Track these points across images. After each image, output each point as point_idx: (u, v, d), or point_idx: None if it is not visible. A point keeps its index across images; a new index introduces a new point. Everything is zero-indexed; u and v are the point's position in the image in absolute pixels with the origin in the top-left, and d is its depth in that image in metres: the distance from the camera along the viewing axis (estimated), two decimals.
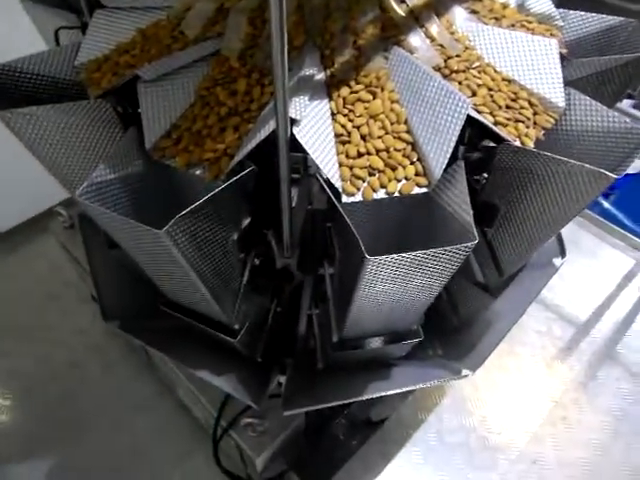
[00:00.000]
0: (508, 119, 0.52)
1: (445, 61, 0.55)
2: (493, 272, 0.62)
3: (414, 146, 0.50)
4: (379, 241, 0.53)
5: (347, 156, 0.50)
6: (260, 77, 0.54)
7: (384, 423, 0.93)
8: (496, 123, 0.52)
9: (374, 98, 0.52)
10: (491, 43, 0.57)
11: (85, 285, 1.27)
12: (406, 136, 0.50)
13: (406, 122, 0.51)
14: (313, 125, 0.49)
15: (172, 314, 0.62)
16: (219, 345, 0.65)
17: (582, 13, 0.65)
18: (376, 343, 0.61)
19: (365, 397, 0.60)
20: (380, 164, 0.49)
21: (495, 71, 0.56)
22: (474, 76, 0.54)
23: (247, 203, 0.54)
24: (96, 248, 0.75)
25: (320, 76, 0.53)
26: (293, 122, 0.46)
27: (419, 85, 0.50)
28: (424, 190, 0.49)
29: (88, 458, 1.16)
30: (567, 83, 0.56)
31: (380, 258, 0.40)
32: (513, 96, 0.54)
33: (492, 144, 0.54)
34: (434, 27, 0.57)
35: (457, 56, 0.55)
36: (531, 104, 0.54)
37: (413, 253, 0.40)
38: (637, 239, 1.22)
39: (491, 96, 0.53)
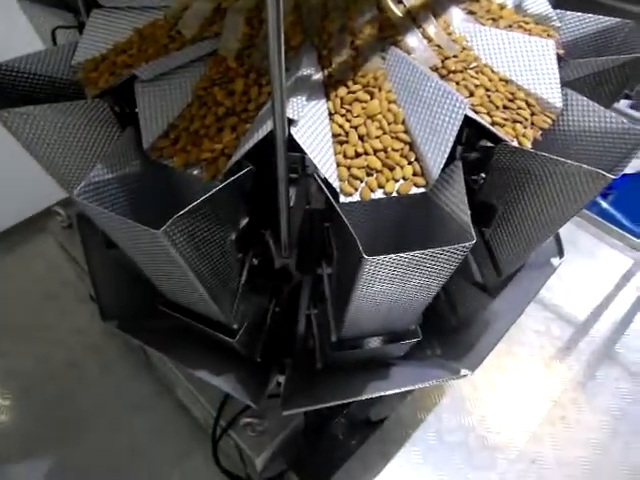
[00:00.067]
0: (505, 119, 0.52)
1: (442, 61, 0.55)
2: (491, 272, 0.62)
3: (412, 146, 0.50)
4: (377, 241, 0.53)
5: (345, 156, 0.50)
6: (257, 77, 0.54)
7: (383, 423, 0.93)
8: (493, 123, 0.52)
9: (372, 98, 0.52)
10: (488, 44, 0.57)
11: (83, 285, 1.27)
12: (404, 136, 0.50)
13: (404, 122, 0.51)
14: (311, 125, 0.49)
15: (170, 314, 0.62)
16: (218, 345, 0.65)
17: (579, 14, 0.65)
18: (375, 343, 0.61)
19: (364, 397, 0.60)
20: (378, 164, 0.49)
21: (492, 71, 0.56)
22: (471, 76, 0.54)
23: (245, 203, 0.54)
24: (94, 248, 0.75)
25: (317, 76, 0.53)
26: (291, 122, 0.46)
27: (416, 85, 0.50)
28: (422, 190, 0.49)
29: (87, 458, 1.16)
30: (564, 84, 0.56)
31: (378, 258, 0.40)
32: (510, 96, 0.54)
33: (490, 144, 0.54)
34: (431, 28, 0.57)
35: (454, 57, 0.55)
36: (528, 104, 0.55)
37: (411, 253, 0.40)
38: (635, 239, 1.22)
39: (488, 96, 0.53)
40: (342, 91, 0.52)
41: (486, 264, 0.62)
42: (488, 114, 0.52)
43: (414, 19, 0.58)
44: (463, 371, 0.62)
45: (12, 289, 1.49)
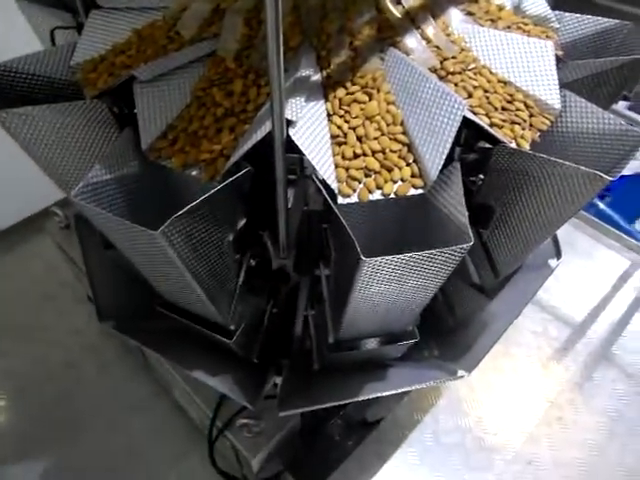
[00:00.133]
0: (504, 121, 0.52)
1: (441, 63, 0.55)
2: (489, 273, 0.62)
3: (410, 147, 0.50)
4: (375, 242, 0.53)
5: (343, 157, 0.50)
6: (256, 78, 0.54)
7: (380, 424, 0.93)
8: (492, 125, 0.52)
9: (370, 99, 0.52)
10: (487, 45, 0.57)
11: (81, 285, 1.27)
12: (402, 137, 0.50)
13: (402, 123, 0.51)
14: (309, 126, 0.49)
15: (168, 315, 0.62)
16: (215, 346, 0.65)
17: (577, 15, 0.65)
18: (372, 344, 0.61)
19: (361, 398, 0.60)
20: (376, 165, 0.49)
21: (491, 73, 0.56)
22: (470, 78, 0.54)
23: (243, 204, 0.54)
24: (92, 248, 0.75)
25: (316, 77, 0.53)
26: (289, 123, 0.46)
27: (415, 86, 0.50)
28: (420, 191, 0.49)
29: (84, 459, 1.16)
30: (563, 85, 0.56)
31: (376, 259, 0.40)
32: (509, 98, 0.54)
33: (488, 146, 0.54)
34: (430, 29, 0.57)
35: (453, 58, 0.56)
36: (527, 106, 0.55)
37: (409, 254, 0.40)
38: (632, 240, 1.22)
39: (487, 98, 0.53)
40: (341, 92, 0.52)
41: (484, 265, 0.62)
42: (486, 115, 0.52)
43: (413, 20, 0.58)
44: (460, 372, 0.62)
45: (10, 289, 1.48)
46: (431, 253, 0.41)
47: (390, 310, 0.51)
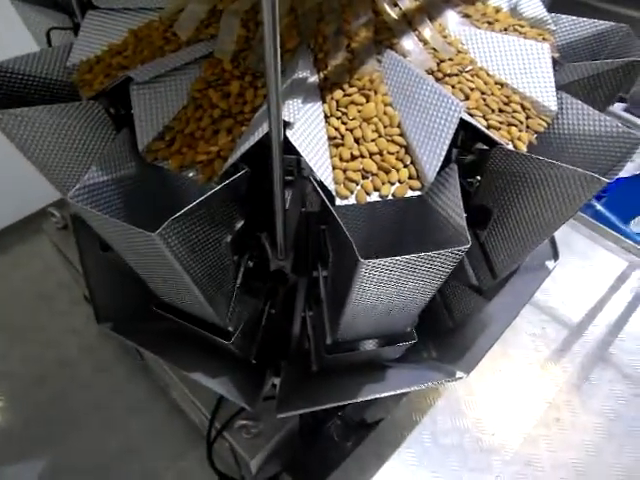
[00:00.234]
0: (501, 122, 0.53)
1: (438, 65, 0.55)
2: (487, 275, 0.62)
3: (407, 149, 0.50)
4: (372, 244, 0.53)
5: (340, 159, 0.50)
6: (253, 79, 0.54)
7: (378, 425, 0.93)
8: (489, 126, 0.52)
9: (367, 101, 0.52)
10: (484, 47, 0.57)
11: (78, 286, 1.26)
12: (399, 139, 0.50)
13: (399, 125, 0.51)
14: (306, 128, 0.49)
15: (165, 316, 0.62)
16: (213, 347, 0.65)
17: (574, 17, 0.65)
18: (370, 345, 0.61)
19: (359, 399, 0.60)
20: (373, 167, 0.49)
21: (488, 75, 0.56)
22: (467, 80, 0.54)
23: (240, 205, 0.54)
24: (89, 249, 0.75)
25: (313, 79, 0.53)
26: (286, 125, 0.46)
27: (412, 88, 0.50)
28: (417, 193, 0.49)
29: (81, 459, 1.16)
30: (559, 87, 0.56)
31: (374, 261, 0.40)
32: (506, 100, 0.54)
33: (485, 147, 0.54)
34: (427, 31, 0.57)
35: (450, 60, 0.56)
36: (524, 108, 0.55)
37: (407, 256, 0.40)
38: (629, 241, 1.23)
39: (484, 100, 0.53)
40: (338, 94, 0.52)
41: (481, 267, 0.62)
42: (483, 117, 0.53)
43: (410, 22, 0.58)
44: (458, 373, 0.62)
45: (7, 290, 1.48)
46: (429, 255, 0.41)
47: (388, 311, 0.51)
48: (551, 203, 0.49)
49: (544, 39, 0.62)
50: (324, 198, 0.46)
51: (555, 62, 0.58)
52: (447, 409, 0.95)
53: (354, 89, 0.52)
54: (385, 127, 0.51)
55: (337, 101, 0.52)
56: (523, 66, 0.56)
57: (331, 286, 0.58)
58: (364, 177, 0.49)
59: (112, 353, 1.33)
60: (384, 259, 0.40)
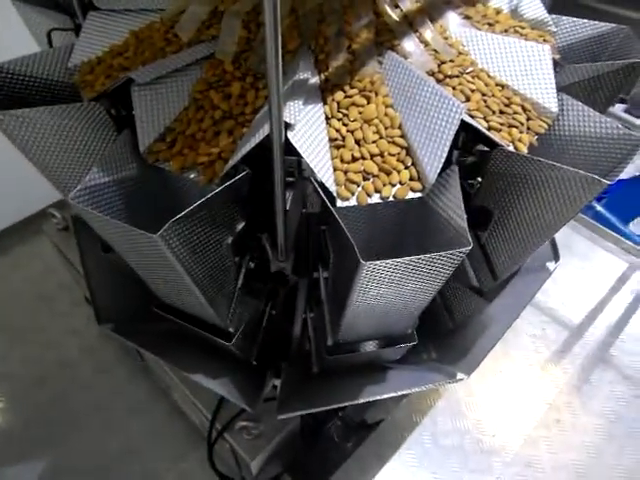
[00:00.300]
0: (502, 124, 0.53)
1: (439, 66, 0.55)
2: (487, 276, 0.62)
3: (408, 151, 0.50)
4: (373, 245, 0.53)
5: (342, 160, 0.50)
6: (254, 81, 0.54)
7: (379, 425, 0.93)
8: (490, 128, 0.52)
9: (368, 103, 0.52)
10: (484, 48, 0.57)
11: (79, 287, 1.26)
12: (400, 141, 0.50)
13: (400, 127, 0.51)
14: (307, 129, 0.49)
15: (166, 317, 0.62)
16: (214, 348, 0.65)
17: (574, 19, 0.65)
18: (371, 347, 0.61)
19: (360, 401, 0.60)
20: (374, 169, 0.49)
21: (489, 76, 0.56)
22: (468, 81, 0.54)
23: (241, 207, 0.54)
24: (90, 250, 0.75)
25: (314, 80, 0.54)
26: (287, 126, 0.46)
27: (413, 90, 0.50)
28: (418, 195, 0.49)
29: (82, 460, 1.16)
30: (560, 89, 0.56)
31: (375, 263, 0.40)
32: (506, 101, 0.54)
33: (486, 149, 0.54)
34: (428, 32, 0.57)
35: (451, 61, 0.56)
36: (524, 109, 0.55)
37: (408, 258, 0.40)
38: (630, 242, 1.23)
39: (485, 101, 0.53)
40: (339, 95, 0.52)
41: (482, 268, 0.62)
42: (484, 119, 0.53)
43: (411, 24, 0.58)
44: (459, 375, 0.62)
45: (7, 291, 1.48)
46: (430, 256, 0.41)
47: (389, 313, 0.51)
48: (552, 205, 0.49)
49: (545, 41, 0.62)
50: (325, 199, 0.46)
51: (556, 64, 0.58)
52: (447, 410, 0.95)
53: (355, 90, 0.52)
54: (386, 128, 0.51)
55: (338, 102, 0.52)
56: (524, 68, 0.56)
57: (332, 287, 0.58)
58: (365, 178, 0.49)
59: (113, 354, 1.33)
60: (385, 261, 0.40)
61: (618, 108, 1.39)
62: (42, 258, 1.51)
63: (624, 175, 0.49)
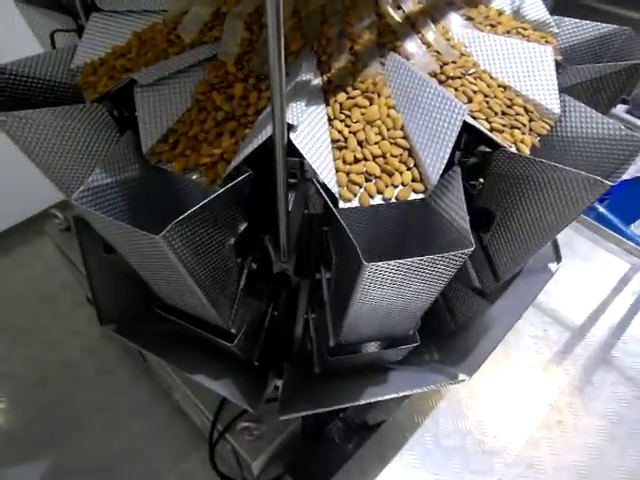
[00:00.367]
0: (504, 125, 0.53)
1: (441, 67, 0.55)
2: (489, 277, 0.62)
3: (411, 152, 0.50)
4: (376, 247, 0.53)
5: (344, 162, 0.50)
6: (257, 82, 0.55)
7: (380, 427, 0.93)
8: (492, 129, 0.52)
9: (371, 104, 0.52)
10: (487, 50, 0.57)
11: (81, 288, 1.27)
12: (403, 142, 0.50)
13: (402, 128, 0.51)
14: (310, 131, 0.49)
15: (168, 318, 0.62)
16: (216, 349, 0.65)
17: (577, 20, 0.65)
18: (373, 348, 0.61)
19: (362, 402, 0.60)
20: (377, 170, 0.49)
21: (491, 77, 0.56)
22: (470, 82, 0.54)
23: (244, 208, 0.54)
24: (92, 251, 0.75)
25: (317, 81, 0.54)
26: (290, 127, 0.46)
27: (415, 91, 0.51)
28: (421, 196, 0.49)
29: (84, 461, 1.16)
30: (562, 90, 0.56)
31: (378, 264, 0.40)
32: (509, 102, 0.54)
33: (488, 149, 0.54)
34: (430, 33, 0.57)
35: (453, 62, 0.56)
36: (527, 110, 0.55)
37: (410, 259, 0.40)
38: (632, 244, 1.22)
39: (487, 102, 0.53)
40: (341, 96, 0.52)
41: (484, 269, 0.62)
42: (487, 120, 0.53)
43: (413, 25, 0.58)
44: (461, 376, 0.62)
45: (9, 291, 1.48)
46: (432, 258, 0.41)
47: (391, 314, 0.51)
48: (554, 206, 0.49)
49: (547, 42, 0.62)
50: (327, 201, 0.46)
51: (558, 65, 0.58)
52: (449, 411, 0.95)
53: (357, 92, 0.53)
54: (388, 130, 0.51)
55: (340, 104, 0.52)
56: (526, 69, 0.56)
57: (334, 288, 0.58)
58: (367, 180, 0.49)
59: (115, 355, 1.33)
60: (388, 262, 0.40)
61: (620, 109, 1.39)
62: (44, 259, 1.51)
63: (626, 176, 0.49)
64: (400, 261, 0.40)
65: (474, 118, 0.52)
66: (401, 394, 0.61)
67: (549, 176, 0.47)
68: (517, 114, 0.54)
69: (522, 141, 0.52)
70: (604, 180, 0.43)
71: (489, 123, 0.52)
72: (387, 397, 0.60)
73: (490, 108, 0.53)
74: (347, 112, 0.52)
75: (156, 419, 1.21)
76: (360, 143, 0.50)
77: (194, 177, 0.52)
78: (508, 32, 0.62)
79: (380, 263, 0.40)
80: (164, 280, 0.53)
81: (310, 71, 0.53)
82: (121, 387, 1.27)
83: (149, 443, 1.18)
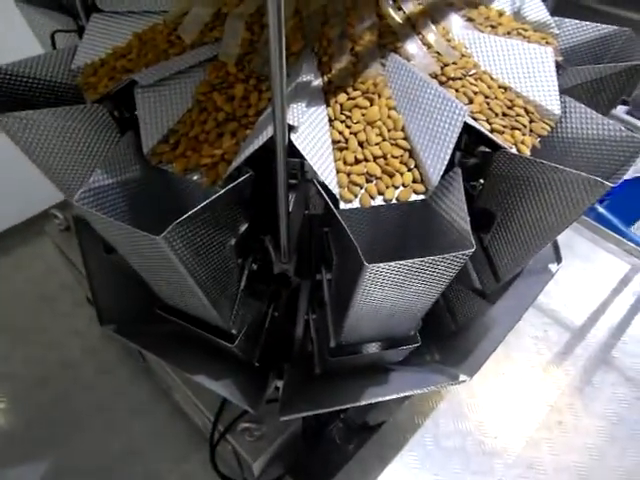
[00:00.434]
0: (504, 126, 0.53)
1: (442, 68, 0.55)
2: (490, 278, 0.62)
3: (411, 153, 0.50)
4: (376, 248, 0.53)
5: (344, 162, 0.50)
6: (257, 83, 0.55)
7: (381, 427, 0.93)
8: (492, 130, 0.52)
9: (371, 105, 0.52)
10: (487, 51, 0.57)
11: (81, 288, 1.27)
12: (403, 143, 0.50)
13: (403, 129, 0.51)
14: (310, 131, 0.49)
15: (169, 318, 0.62)
16: (216, 350, 0.65)
17: (577, 21, 0.65)
18: (373, 348, 0.61)
19: (362, 403, 0.60)
20: (377, 171, 0.49)
21: (491, 79, 0.56)
22: (471, 83, 0.54)
23: (244, 209, 0.54)
24: (92, 251, 0.75)
25: (317, 82, 0.54)
26: (291, 128, 0.46)
27: (416, 92, 0.51)
28: (421, 197, 0.49)
29: (84, 461, 1.16)
30: (563, 91, 0.56)
31: (379, 265, 0.40)
32: (509, 103, 0.55)
33: (488, 150, 0.55)
34: (431, 34, 0.57)
35: (454, 63, 0.56)
36: (527, 112, 0.55)
37: (411, 260, 0.40)
38: (632, 244, 1.22)
39: (487, 103, 0.54)
40: (342, 97, 0.52)
41: (484, 270, 0.62)
42: (487, 121, 0.53)
43: (414, 26, 0.58)
44: (461, 377, 0.62)
45: (9, 291, 1.48)
46: (433, 259, 0.41)
47: (392, 315, 0.51)
48: (555, 207, 0.49)
49: (547, 43, 0.62)
50: (328, 201, 0.46)
51: (558, 66, 0.58)
52: (449, 412, 0.95)
53: (358, 93, 0.53)
54: (389, 131, 0.51)
55: (341, 104, 0.52)
56: (526, 70, 0.56)
57: (334, 289, 0.58)
58: (368, 181, 0.49)
59: (115, 355, 1.33)
60: (389, 263, 0.40)
61: (620, 110, 1.39)
62: (44, 259, 1.51)
63: (626, 176, 0.49)
64: (401, 262, 0.40)
65: (475, 119, 0.52)
66: (402, 395, 0.61)
67: (549, 177, 0.47)
68: (518, 115, 0.54)
69: (523, 142, 0.52)
70: (605, 181, 0.43)
71: (490, 124, 0.53)
72: (388, 398, 0.60)
73: (491, 109, 0.53)
74: (348, 113, 0.52)
75: (156, 419, 1.21)
76: (361, 144, 0.50)
77: (195, 178, 0.52)
78: (509, 33, 0.62)
79: (381, 264, 0.40)
80: (165, 281, 0.53)
81: (311, 72, 0.53)
82: (121, 387, 1.27)
83: (149, 443, 1.18)
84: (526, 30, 0.63)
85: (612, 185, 0.43)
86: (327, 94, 0.53)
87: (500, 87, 0.56)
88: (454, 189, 0.47)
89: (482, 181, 0.57)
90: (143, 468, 1.14)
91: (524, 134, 0.53)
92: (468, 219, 0.44)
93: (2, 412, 1.24)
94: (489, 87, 0.55)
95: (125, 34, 0.65)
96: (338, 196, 0.48)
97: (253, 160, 0.48)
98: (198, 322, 0.61)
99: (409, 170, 0.50)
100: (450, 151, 0.46)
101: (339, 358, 0.59)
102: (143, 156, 0.53)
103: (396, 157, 0.50)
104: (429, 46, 0.57)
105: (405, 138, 0.51)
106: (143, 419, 1.21)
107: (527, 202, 0.51)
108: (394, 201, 0.49)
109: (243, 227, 0.55)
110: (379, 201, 0.49)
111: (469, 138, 0.55)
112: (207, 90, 0.55)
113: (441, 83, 0.54)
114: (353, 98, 0.52)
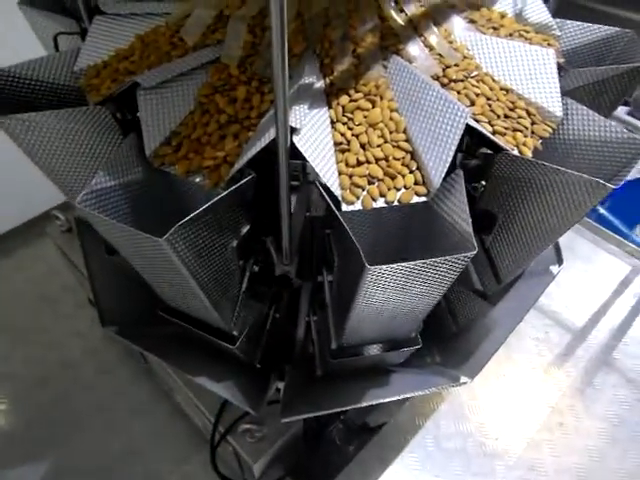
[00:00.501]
0: (506, 128, 0.53)
1: (444, 70, 0.55)
2: (491, 280, 0.62)
3: (413, 155, 0.50)
4: (378, 250, 0.53)
5: (347, 164, 0.50)
6: (260, 85, 0.55)
7: (381, 429, 0.93)
8: (494, 132, 0.52)
9: (373, 107, 0.52)
10: (489, 53, 0.57)
11: (83, 289, 1.27)
12: (405, 145, 0.50)
13: (405, 131, 0.51)
14: (313, 133, 0.49)
15: (170, 320, 0.62)
16: (218, 351, 0.65)
17: (579, 23, 0.65)
18: (374, 350, 0.61)
19: (363, 404, 0.60)
20: (379, 173, 0.49)
21: (493, 80, 0.56)
22: (472, 85, 0.54)
23: (247, 210, 0.54)
24: (94, 252, 0.75)
25: (319, 84, 0.54)
26: (293, 130, 0.47)
27: (418, 94, 0.51)
28: (423, 199, 0.49)
29: (84, 461, 1.16)
30: (564, 93, 0.56)
31: (380, 267, 0.40)
32: (511, 105, 0.55)
33: (490, 152, 0.55)
34: (433, 36, 0.58)
35: (455, 65, 0.56)
36: (529, 113, 0.55)
37: (413, 262, 0.41)
38: (633, 245, 1.22)
39: (489, 105, 0.54)
40: (344, 99, 0.53)
41: (486, 272, 0.62)
42: (489, 123, 0.53)
43: (415, 28, 0.58)
44: (463, 378, 0.62)
45: (11, 292, 1.48)
46: (435, 261, 0.41)
47: (393, 317, 0.51)
48: (556, 209, 0.49)
49: (549, 44, 0.62)
50: (330, 203, 0.46)
51: (560, 68, 0.58)
52: (450, 413, 0.95)
53: (360, 94, 0.53)
54: (391, 133, 0.51)
55: (343, 106, 0.52)
56: (528, 72, 0.56)
57: (336, 291, 0.58)
58: (370, 183, 0.49)
59: (115, 355, 1.33)
60: (390, 265, 0.40)
61: (621, 111, 1.39)
62: (46, 260, 1.51)
63: (627, 178, 0.49)
64: (403, 264, 0.40)
65: (476, 121, 0.52)
66: (403, 396, 0.61)
67: (551, 179, 0.47)
68: (519, 117, 0.54)
69: (524, 144, 0.53)
70: (606, 183, 0.43)
71: (491, 126, 0.53)
72: (389, 399, 0.60)
73: (492, 111, 0.53)
74: (350, 115, 0.52)
75: (156, 419, 1.21)
76: (363, 146, 0.50)
77: (197, 180, 0.52)
78: (510, 35, 0.62)
79: (383, 266, 0.40)
80: (167, 282, 0.53)
81: (313, 74, 0.54)
82: (121, 387, 1.27)
83: (149, 443, 1.18)
84: (528, 32, 0.63)
85: (614, 187, 0.43)
86: (329, 96, 0.53)
87: (502, 89, 0.56)
88: (456, 191, 0.47)
89: (484, 183, 0.57)
90: (143, 468, 1.14)
91: (526, 136, 0.53)
92: (470, 221, 0.44)
93: (2, 412, 1.24)
94: (491, 89, 0.55)
95: (128, 36, 0.65)
96: (340, 198, 0.48)
97: (255, 162, 0.48)
98: (200, 324, 0.61)
99: (411, 172, 0.50)
100: (452, 153, 0.46)
101: (340, 360, 0.59)
102: (145, 158, 0.53)
103: (398, 159, 0.50)
104: (431, 48, 0.57)
105: (407, 140, 0.51)
106: (143, 419, 1.21)
107: (529, 204, 0.51)
108: (396, 203, 0.49)
109: (245, 229, 0.55)
110: (381, 203, 0.49)
111: (471, 140, 0.55)
112: (209, 92, 0.55)
113: (443, 85, 0.54)
114: (355, 100, 0.52)
